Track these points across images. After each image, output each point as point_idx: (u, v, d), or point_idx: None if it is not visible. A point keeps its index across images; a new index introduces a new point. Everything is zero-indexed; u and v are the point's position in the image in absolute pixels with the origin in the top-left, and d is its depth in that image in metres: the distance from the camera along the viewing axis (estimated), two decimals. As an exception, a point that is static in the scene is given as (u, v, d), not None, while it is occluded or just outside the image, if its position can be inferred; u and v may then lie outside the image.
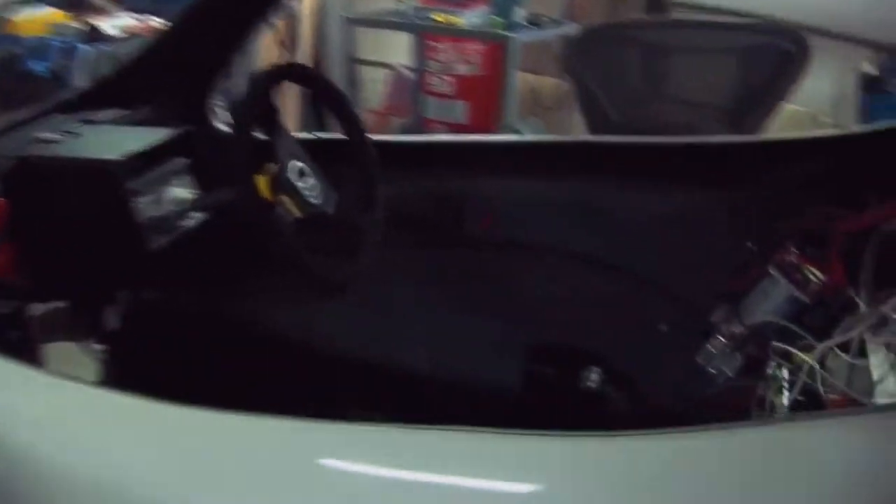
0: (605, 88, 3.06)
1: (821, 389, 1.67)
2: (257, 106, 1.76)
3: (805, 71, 3.05)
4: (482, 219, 2.50)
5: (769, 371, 1.81)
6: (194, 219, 1.97)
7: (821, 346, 1.74)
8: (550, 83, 5.02)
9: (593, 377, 2.38)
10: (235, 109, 1.75)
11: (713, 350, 2.10)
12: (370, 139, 2.08)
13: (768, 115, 3.10)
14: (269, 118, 1.81)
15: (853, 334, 1.71)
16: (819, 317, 2.01)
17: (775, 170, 2.16)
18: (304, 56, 4.76)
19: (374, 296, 2.24)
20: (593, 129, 3.21)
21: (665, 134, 2.74)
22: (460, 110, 5.31)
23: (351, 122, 2.00)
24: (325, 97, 1.94)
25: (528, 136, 2.56)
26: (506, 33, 4.58)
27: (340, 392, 2.49)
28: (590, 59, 3.24)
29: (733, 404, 2.08)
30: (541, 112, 4.92)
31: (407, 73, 5.45)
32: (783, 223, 2.11)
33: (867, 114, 4.93)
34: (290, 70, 1.91)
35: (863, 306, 1.87)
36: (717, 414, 2.15)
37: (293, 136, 1.91)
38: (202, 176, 1.99)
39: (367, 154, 2.05)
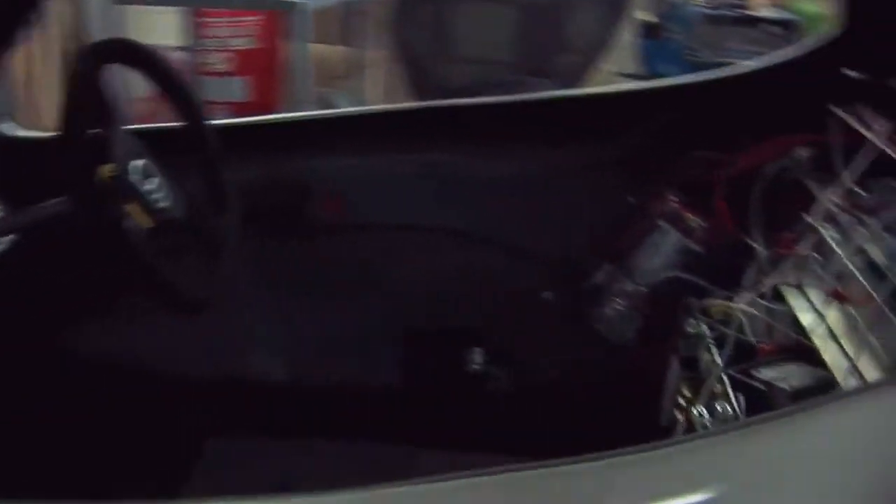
0: (432, 51, 2.88)
1: (752, 339, 1.61)
2: (86, 95, 1.41)
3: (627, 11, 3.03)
4: (330, 202, 2.25)
5: (689, 329, 1.72)
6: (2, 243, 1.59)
7: (750, 296, 1.68)
8: (340, 52, 4.76)
9: (476, 359, 2.23)
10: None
11: (609, 313, 2.01)
12: (211, 126, 1.77)
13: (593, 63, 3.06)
14: (100, 109, 1.46)
15: (786, 280, 1.66)
16: (714, 265, 1.96)
17: (644, 119, 2.08)
18: (60, 44, 4.20)
19: (226, 304, 1.94)
20: (422, 95, 3.02)
21: (495, 93, 2.61)
22: (240, 87, 4.93)
23: (190, 106, 1.68)
24: (159, 78, 1.61)
25: (369, 108, 2.31)
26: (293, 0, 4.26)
27: (196, 417, 2.19)
28: (415, 21, 3.04)
29: (644, 367, 2.01)
30: (332, 83, 4.66)
31: (179, 54, 4.97)
32: (661, 174, 2.03)
33: (646, 59, 5.11)
34: (117, 47, 1.55)
35: (760, 250, 1.84)
36: (625, 378, 2.10)
37: (128, 129, 1.56)
38: (8, 190, 1.61)
39: (209, 143, 1.74)
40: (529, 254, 2.18)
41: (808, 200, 1.83)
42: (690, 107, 2.06)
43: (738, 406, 1.46)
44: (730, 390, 1.51)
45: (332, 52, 4.70)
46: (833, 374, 1.44)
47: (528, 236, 2.17)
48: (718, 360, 1.59)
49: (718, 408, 1.48)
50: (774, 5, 4.81)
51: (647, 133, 2.07)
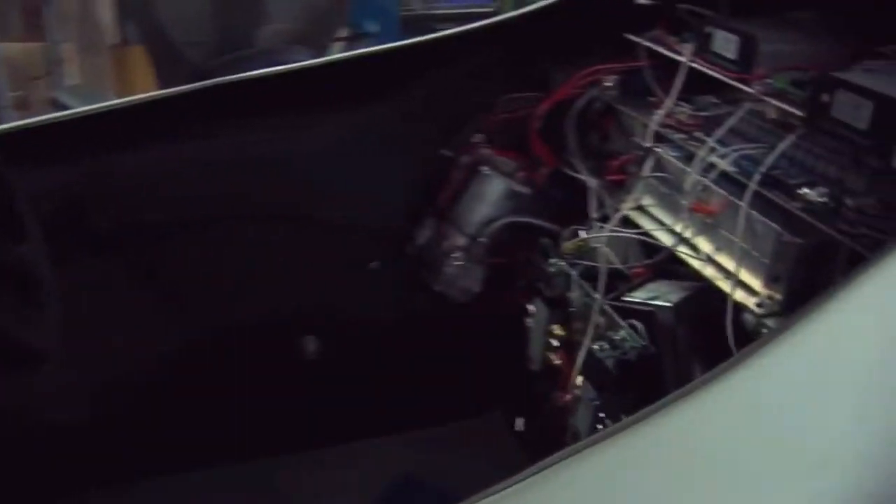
0: (183, 33, 2.59)
1: (618, 266, 1.64)
2: None
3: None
4: (121, 206, 1.97)
5: (549, 269, 1.72)
6: None
7: (599, 226, 1.70)
8: (31, 49, 4.20)
9: (311, 347, 2.09)
10: None
11: (449, 271, 1.96)
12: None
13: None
14: None
15: (629, 204, 1.70)
16: (546, 203, 1.98)
17: (441, 68, 2.03)
18: None
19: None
20: (177, 80, 2.71)
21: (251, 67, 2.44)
22: None
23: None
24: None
25: (139, 96, 2.03)
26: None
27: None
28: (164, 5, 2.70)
29: (500, 317, 1.99)
30: (32, 83, 4.11)
31: None
32: (472, 121, 2.01)
33: (353, 17, 5.05)
34: None
35: (589, 179, 1.87)
36: (480, 333, 2.06)
37: None
38: None
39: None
40: (347, 227, 2.06)
41: (623, 125, 1.90)
42: (491, 49, 2.03)
43: (639, 332, 1.48)
44: (619, 320, 1.53)
45: (23, 49, 4.14)
46: (706, 281, 1.51)
47: (342, 209, 2.05)
48: (593, 293, 1.61)
49: (618, 337, 1.49)
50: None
51: (449, 82, 2.03)
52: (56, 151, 1.88)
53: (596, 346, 1.52)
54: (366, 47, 2.20)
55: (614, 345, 1.49)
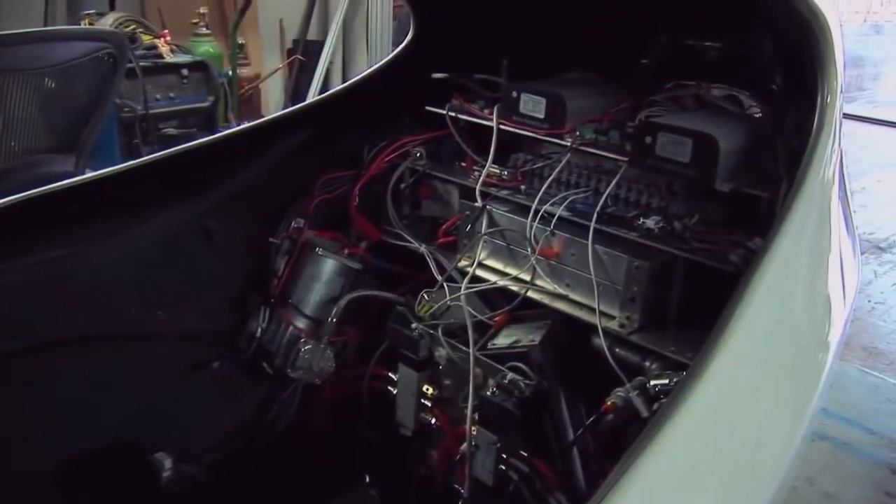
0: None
1: (479, 317, 1.75)
2: None
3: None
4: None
5: (411, 333, 1.79)
6: None
7: (445, 287, 1.80)
8: None
9: (167, 464, 1.96)
10: None
11: (303, 355, 1.95)
12: None
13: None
14: None
15: (468, 261, 1.82)
16: (381, 273, 2.04)
17: (252, 158, 2.02)
18: None
19: None
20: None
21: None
22: None
23: None
24: None
25: None
26: None
27: None
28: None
29: (358, 392, 2.01)
30: None
31: None
32: (292, 204, 2.03)
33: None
34: None
35: (421, 247, 1.97)
36: (341, 411, 2.05)
37: None
38: None
39: None
40: (179, 331, 1.98)
41: (437, 190, 2.03)
42: (300, 134, 2.07)
43: (525, 371, 1.60)
44: (498, 366, 1.63)
45: None
46: (559, 316, 1.67)
47: (170, 312, 1.97)
48: (463, 347, 1.70)
49: (507, 381, 1.59)
50: (176, 51, 4.91)
51: (263, 170, 2.04)
52: None
53: (488, 393, 1.61)
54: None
55: (505, 388, 1.59)
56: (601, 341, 1.57)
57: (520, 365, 1.62)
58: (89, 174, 1.95)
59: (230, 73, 5.82)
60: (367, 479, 2.16)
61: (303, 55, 6.70)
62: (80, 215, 1.85)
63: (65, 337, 1.83)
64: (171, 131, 4.78)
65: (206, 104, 4.97)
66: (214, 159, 2.00)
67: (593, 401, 1.55)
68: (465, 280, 1.78)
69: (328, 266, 1.98)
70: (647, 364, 1.54)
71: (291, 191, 2.02)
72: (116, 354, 1.88)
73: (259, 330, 2.00)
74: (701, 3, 1.79)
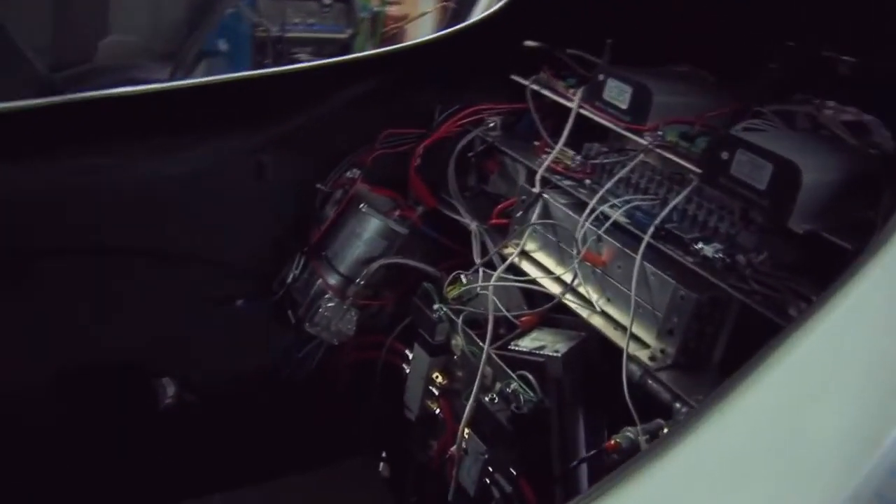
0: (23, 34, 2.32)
1: (505, 314, 1.59)
2: None
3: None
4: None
5: (433, 315, 1.65)
6: None
7: (483, 272, 1.65)
8: None
9: (168, 391, 1.91)
10: None
11: (322, 312, 1.85)
12: None
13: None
14: None
15: (514, 249, 1.66)
16: (425, 244, 1.91)
17: (319, 98, 1.91)
18: None
19: None
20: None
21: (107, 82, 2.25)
22: None
23: None
24: None
25: None
26: None
27: None
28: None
29: (372, 362, 1.90)
30: None
31: None
32: (350, 154, 1.91)
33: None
34: None
35: (470, 222, 1.82)
36: (350, 378, 1.95)
37: None
38: None
39: None
40: (212, 261, 1.91)
41: (505, 168, 1.87)
42: (373, 81, 1.94)
43: (531, 384, 1.43)
44: (508, 371, 1.47)
45: None
46: (593, 331, 1.48)
47: (204, 242, 1.89)
48: (480, 342, 1.54)
49: (509, 389, 1.43)
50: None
51: (327, 112, 1.92)
52: None
53: (486, 399, 1.45)
54: (216, 66, 2.02)
55: (506, 397, 1.43)
56: (632, 368, 1.39)
57: (528, 376, 1.45)
58: (153, 85, 1.89)
59: (377, 8, 5.73)
60: (384, 455, 2.04)
61: (457, 2, 6.54)
62: (136, 125, 1.79)
63: (97, 245, 1.79)
64: (304, 57, 4.73)
65: (343, 35, 4.90)
66: (280, 92, 1.89)
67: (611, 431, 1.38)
68: (500, 269, 1.62)
69: (372, 225, 1.85)
70: (678, 406, 1.35)
71: (351, 139, 1.90)
72: (143, 272, 1.82)
73: (291, 277, 1.91)
74: (850, 12, 1.54)
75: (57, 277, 1.75)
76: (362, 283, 1.84)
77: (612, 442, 1.29)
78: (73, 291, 1.77)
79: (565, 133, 1.68)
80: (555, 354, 1.48)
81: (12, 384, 1.67)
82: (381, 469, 2.04)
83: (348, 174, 1.90)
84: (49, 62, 2.51)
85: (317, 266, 1.88)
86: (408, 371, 1.73)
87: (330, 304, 1.83)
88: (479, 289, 1.62)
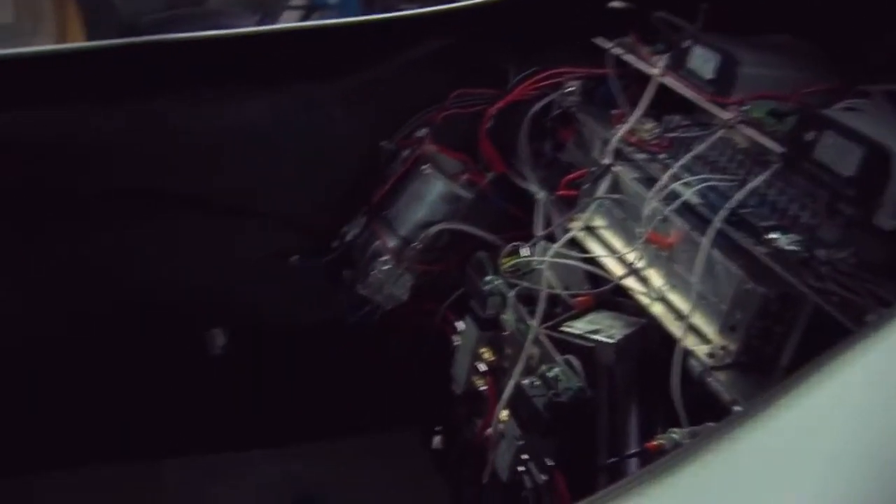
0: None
1: (559, 292, 1.48)
2: None
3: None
4: (27, 163, 1.74)
5: (484, 286, 1.56)
6: None
7: (542, 245, 1.55)
8: None
9: (218, 341, 1.90)
10: None
11: (376, 274, 1.78)
12: None
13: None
14: None
15: (578, 223, 1.55)
16: (488, 211, 1.82)
17: (390, 52, 1.84)
18: None
19: None
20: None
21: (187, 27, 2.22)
22: None
23: None
24: None
25: (65, 46, 1.80)
26: None
27: None
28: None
29: (421, 331, 1.83)
30: None
31: None
32: (419, 112, 1.83)
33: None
34: None
35: (538, 191, 1.72)
36: (397, 347, 1.90)
37: None
38: None
39: None
40: (269, 212, 1.87)
41: (582, 136, 1.75)
42: (447, 37, 1.84)
43: (575, 370, 1.33)
44: (555, 354, 1.37)
45: None
46: (653, 319, 1.37)
47: (265, 192, 1.86)
48: (529, 320, 1.45)
49: (552, 374, 1.34)
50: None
51: (398, 67, 1.84)
52: None
53: (526, 382, 1.36)
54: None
55: (547, 382, 1.34)
56: (690, 364, 1.27)
57: (573, 361, 1.35)
58: (226, 31, 1.85)
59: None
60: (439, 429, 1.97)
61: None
62: (205, 71, 1.76)
63: (156, 190, 1.77)
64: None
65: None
66: (352, 44, 1.82)
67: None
68: (559, 243, 1.51)
69: (436, 187, 1.77)
70: (736, 411, 1.22)
71: (422, 97, 1.82)
72: (200, 221, 1.80)
73: (350, 236, 1.85)
74: None
75: (115, 220, 1.75)
76: (420, 246, 1.76)
77: (655, 443, 1.18)
78: (131, 235, 1.76)
79: (644, 103, 1.55)
80: (608, 340, 1.38)
81: (67, 323, 1.69)
82: (434, 443, 1.98)
83: (417, 133, 1.82)
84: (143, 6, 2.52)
85: (376, 226, 1.82)
86: (456, 343, 1.66)
87: (385, 267, 1.77)
88: (536, 263, 1.53)
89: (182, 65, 1.75)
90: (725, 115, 1.39)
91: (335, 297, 1.88)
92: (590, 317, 1.48)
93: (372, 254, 1.80)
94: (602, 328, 1.43)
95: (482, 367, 1.59)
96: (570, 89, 1.74)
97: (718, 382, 1.24)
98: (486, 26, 1.82)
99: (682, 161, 1.43)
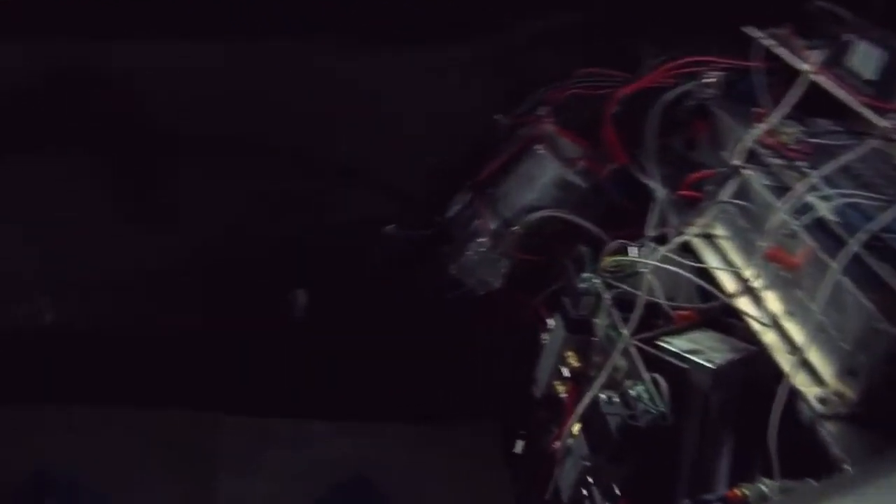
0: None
1: (662, 301, 1.32)
2: None
3: None
4: (118, 101, 1.72)
5: (580, 283, 1.41)
6: None
7: (651, 246, 1.38)
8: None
9: (300, 302, 1.83)
10: None
11: (470, 255, 1.67)
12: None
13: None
14: None
15: (696, 228, 1.38)
16: (600, 203, 1.67)
17: (515, 21, 1.71)
18: None
19: None
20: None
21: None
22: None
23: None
24: None
25: None
26: None
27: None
28: None
29: (509, 323, 1.71)
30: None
31: None
32: (540, 87, 1.69)
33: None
34: None
35: (658, 188, 1.55)
36: (483, 336, 1.78)
37: None
38: None
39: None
40: (371, 176, 1.79)
41: (717, 133, 1.57)
42: (578, 12, 1.70)
43: (660, 392, 1.17)
44: (643, 370, 1.22)
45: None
46: (763, 348, 1.19)
47: (370, 154, 1.77)
48: (622, 327, 1.30)
49: (633, 393, 1.18)
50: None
51: (522, 39, 1.71)
52: (64, 24, 1.63)
53: (604, 397, 1.21)
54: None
55: (626, 401, 1.19)
56: (798, 406, 1.10)
57: (661, 381, 1.19)
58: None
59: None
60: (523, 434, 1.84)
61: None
62: (323, 22, 1.68)
63: (253, 141, 1.72)
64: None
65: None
66: (479, 7, 1.70)
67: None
68: (668, 246, 1.34)
69: (548, 171, 1.64)
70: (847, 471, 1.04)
71: (544, 72, 1.68)
72: (296, 176, 1.74)
73: (452, 211, 1.74)
74: None
75: (209, 167, 1.71)
76: (521, 231, 1.63)
77: (738, 492, 1.02)
78: (225, 185, 1.72)
79: (789, 101, 1.36)
80: (707, 364, 1.21)
81: (152, 259, 1.67)
82: (516, 446, 1.85)
83: (535, 111, 1.69)
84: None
85: (479, 204, 1.70)
86: (544, 342, 1.52)
87: (481, 249, 1.65)
88: (640, 265, 1.37)
89: (300, 10, 1.68)
90: (883, 123, 1.20)
91: (428, 274, 1.78)
92: (691, 334, 1.31)
93: (470, 233, 1.70)
94: (702, 349, 1.26)
95: (566, 371, 1.45)
96: (708, 80, 1.56)
97: (827, 433, 1.06)
98: (623, 5, 1.66)
99: (824, 171, 1.24)
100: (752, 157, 1.38)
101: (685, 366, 1.21)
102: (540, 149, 1.64)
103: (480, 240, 1.67)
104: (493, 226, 1.67)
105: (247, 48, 1.67)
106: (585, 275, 1.42)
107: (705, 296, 1.34)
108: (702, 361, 1.22)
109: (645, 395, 1.18)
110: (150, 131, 1.70)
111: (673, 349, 1.26)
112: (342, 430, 1.82)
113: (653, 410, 1.15)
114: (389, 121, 1.74)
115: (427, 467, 1.76)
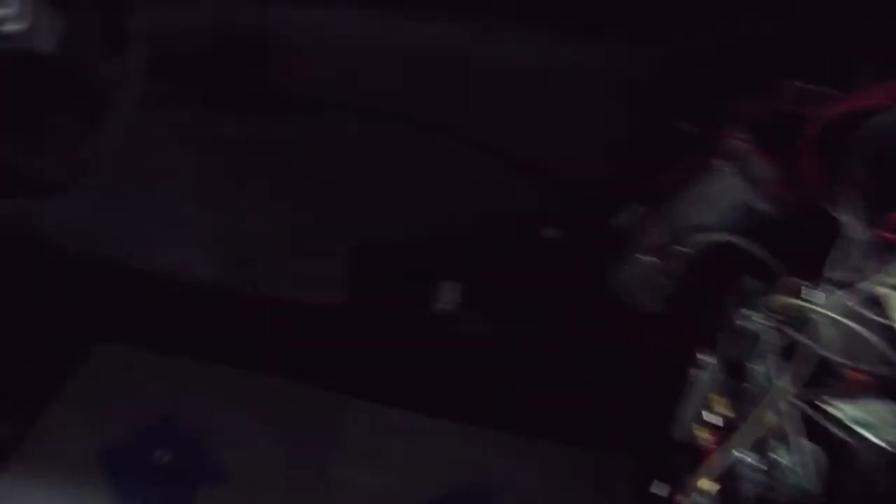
0: None
1: (835, 358, 1.13)
2: None
3: None
4: (288, 66, 1.70)
5: (740, 321, 1.25)
6: None
7: (835, 293, 1.19)
8: None
9: (449, 296, 1.76)
10: None
11: (632, 271, 1.53)
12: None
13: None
14: None
15: (892, 279, 1.17)
16: (786, 236, 1.48)
17: (708, 23, 1.55)
18: None
19: (133, 186, 1.50)
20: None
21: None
22: None
23: None
24: None
25: None
26: None
27: (91, 314, 1.73)
28: None
29: (663, 351, 1.55)
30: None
31: None
32: (734, 97, 1.52)
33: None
34: None
35: (856, 227, 1.35)
36: (634, 360, 1.65)
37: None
38: None
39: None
40: (537, 172, 1.68)
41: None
42: (781, 15, 1.51)
43: (817, 464, 1.00)
44: (796, 433, 1.04)
45: None
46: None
47: (538, 149, 1.67)
48: (781, 380, 1.12)
49: (782, 459, 1.01)
50: None
51: (712, 42, 1.54)
52: None
53: (747, 458, 1.04)
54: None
55: (772, 468, 1.01)
56: None
57: (818, 453, 1.01)
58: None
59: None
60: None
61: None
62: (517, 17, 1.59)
63: (412, 115, 1.65)
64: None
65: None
66: (667, 7, 1.55)
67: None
68: (854, 297, 1.15)
69: (730, 191, 1.46)
70: None
71: (736, 81, 1.50)
72: (460, 172, 1.66)
73: (619, 221, 1.61)
74: None
75: (351, 139, 1.66)
76: (690, 252, 1.47)
77: None
78: (376, 161, 1.67)
79: None
80: (879, 443, 1.02)
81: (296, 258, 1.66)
82: (656, 487, 1.69)
83: (724, 123, 1.52)
84: None
85: (650, 218, 1.55)
86: (692, 379, 1.36)
87: (643, 265, 1.51)
88: (816, 312, 1.18)
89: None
90: None
91: (584, 285, 1.66)
92: (867, 402, 1.11)
93: (636, 247, 1.55)
94: (877, 423, 1.06)
95: (710, 417, 1.28)
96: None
97: None
98: (839, 8, 1.45)
99: None
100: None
101: (851, 439, 1.02)
102: (727, 167, 1.47)
103: (646, 257, 1.52)
104: (658, 241, 1.52)
105: (438, 31, 1.60)
106: (748, 311, 1.24)
107: (889, 361, 1.14)
108: (874, 438, 1.03)
109: (794, 466, 1.00)
110: (320, 104, 1.67)
111: (839, 416, 1.07)
112: (467, 434, 1.74)
113: (798, 486, 0.98)
114: (563, 117, 1.63)
115: (552, 490, 1.64)
